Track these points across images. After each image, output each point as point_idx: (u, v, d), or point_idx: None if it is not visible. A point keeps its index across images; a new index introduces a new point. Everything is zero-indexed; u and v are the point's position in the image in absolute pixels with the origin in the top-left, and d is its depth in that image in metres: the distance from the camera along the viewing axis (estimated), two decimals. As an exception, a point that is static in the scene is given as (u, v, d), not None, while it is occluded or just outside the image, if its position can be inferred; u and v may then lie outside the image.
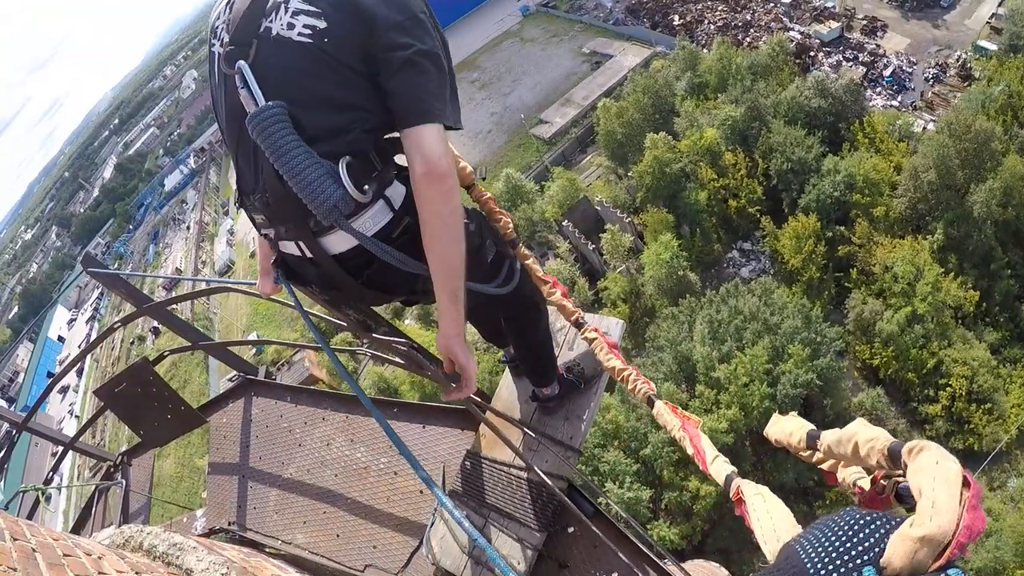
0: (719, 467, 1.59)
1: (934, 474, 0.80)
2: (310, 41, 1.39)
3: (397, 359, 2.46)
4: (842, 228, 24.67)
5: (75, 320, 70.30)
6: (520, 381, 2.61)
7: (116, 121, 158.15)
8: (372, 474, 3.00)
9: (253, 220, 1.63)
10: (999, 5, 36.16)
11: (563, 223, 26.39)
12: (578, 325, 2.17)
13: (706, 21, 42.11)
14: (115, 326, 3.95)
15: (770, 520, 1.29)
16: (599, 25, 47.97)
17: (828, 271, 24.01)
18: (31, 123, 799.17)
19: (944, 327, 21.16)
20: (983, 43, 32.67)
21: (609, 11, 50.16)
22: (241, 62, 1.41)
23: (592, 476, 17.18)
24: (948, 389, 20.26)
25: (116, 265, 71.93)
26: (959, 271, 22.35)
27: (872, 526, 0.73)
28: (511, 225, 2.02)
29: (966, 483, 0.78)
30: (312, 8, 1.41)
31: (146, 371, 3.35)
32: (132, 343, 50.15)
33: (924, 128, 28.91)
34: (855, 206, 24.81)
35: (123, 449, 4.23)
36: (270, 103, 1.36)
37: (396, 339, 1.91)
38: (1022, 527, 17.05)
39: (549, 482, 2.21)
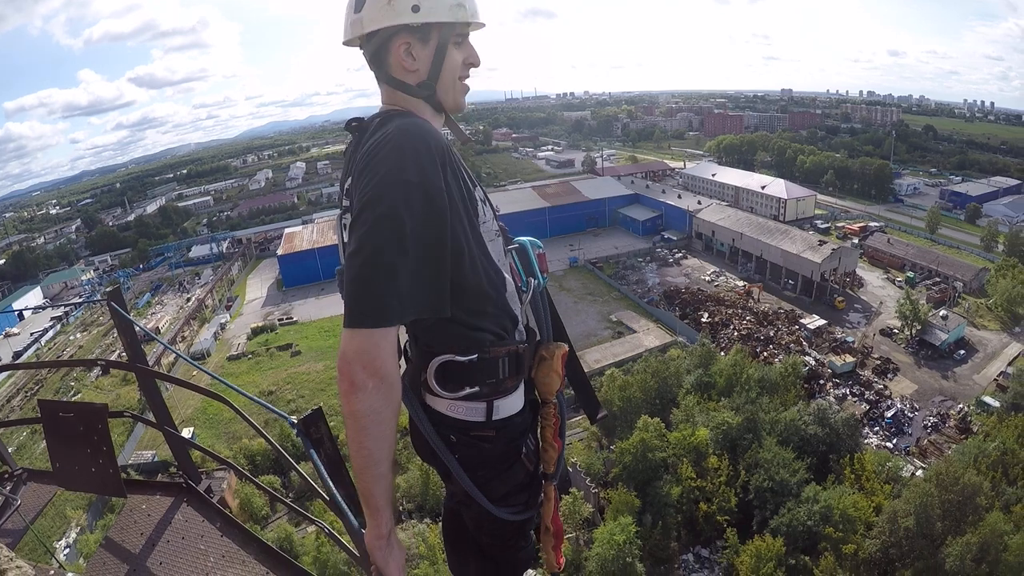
0: None
1: None
2: None
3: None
4: (807, 558, 24.05)
5: (44, 309, 66.75)
6: None
7: (185, 171, 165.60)
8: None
9: None
10: (1009, 364, 37.91)
11: (531, 474, 27.87)
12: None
13: (731, 327, 45.34)
14: (99, 362, 3.95)
15: None
16: (633, 299, 51.71)
17: (783, 600, 23.31)
18: (118, 124, 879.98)
19: None
20: (987, 399, 33.64)
21: (648, 288, 54.73)
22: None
23: None
24: None
25: (108, 288, 78.87)
26: (923, 623, 21.15)
27: None
28: (555, 459, 1.77)
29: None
30: (347, 203, 1.45)
31: (99, 418, 3.12)
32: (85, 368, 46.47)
33: (913, 474, 29.32)
34: (826, 538, 24.42)
35: (27, 466, 3.95)
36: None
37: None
38: None
39: None
